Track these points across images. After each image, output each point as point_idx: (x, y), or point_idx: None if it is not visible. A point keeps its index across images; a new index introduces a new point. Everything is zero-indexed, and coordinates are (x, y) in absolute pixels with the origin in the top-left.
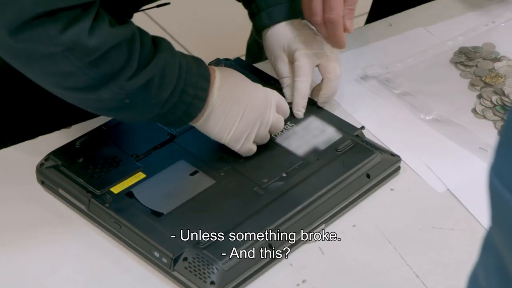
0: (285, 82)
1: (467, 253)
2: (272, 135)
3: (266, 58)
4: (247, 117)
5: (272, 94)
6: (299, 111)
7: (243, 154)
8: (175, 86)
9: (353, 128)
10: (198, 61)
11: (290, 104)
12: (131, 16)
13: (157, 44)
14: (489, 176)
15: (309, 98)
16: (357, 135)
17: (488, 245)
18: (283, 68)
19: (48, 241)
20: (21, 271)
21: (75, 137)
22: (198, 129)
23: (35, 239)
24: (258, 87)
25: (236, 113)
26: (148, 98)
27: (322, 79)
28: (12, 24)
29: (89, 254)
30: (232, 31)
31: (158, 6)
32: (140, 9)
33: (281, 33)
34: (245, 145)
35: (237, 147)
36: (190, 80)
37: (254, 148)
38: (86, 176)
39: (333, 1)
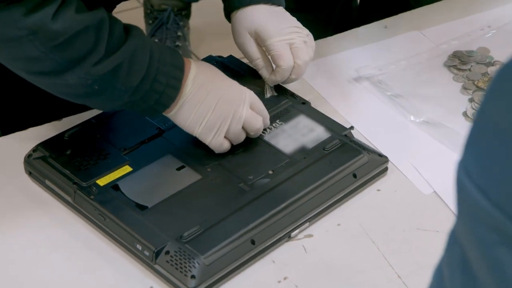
0: (259, 64)
1: None
2: (261, 133)
3: None
4: (219, 109)
5: (247, 91)
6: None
7: (215, 149)
8: (146, 74)
9: (342, 128)
10: (172, 51)
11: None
12: (113, 7)
13: (129, 31)
14: (457, 172)
15: (298, 97)
16: (345, 135)
17: (453, 240)
18: (254, 51)
19: (33, 231)
20: (4, 260)
21: (65, 130)
22: (171, 119)
23: (20, 229)
24: (234, 83)
25: (208, 105)
26: (116, 84)
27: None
28: None
29: (73, 245)
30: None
31: None
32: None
33: (251, 17)
34: (216, 139)
35: (208, 139)
36: (163, 69)
37: (226, 144)
38: (72, 168)
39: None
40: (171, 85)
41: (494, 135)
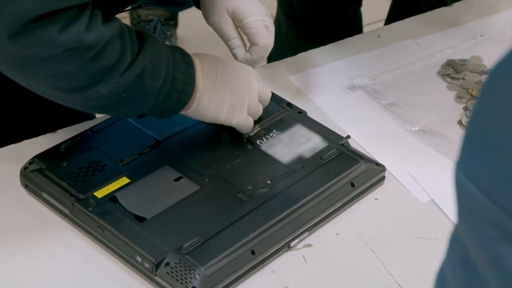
0: (235, 43)
1: None
2: (258, 142)
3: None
4: (235, 90)
5: (246, 65)
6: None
7: (242, 128)
8: (166, 74)
9: (339, 137)
10: (180, 49)
11: None
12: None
13: (141, 35)
14: (455, 172)
15: (294, 106)
16: (342, 144)
17: (454, 240)
18: (231, 29)
19: (31, 245)
20: (2, 274)
21: (61, 141)
22: (191, 116)
23: (18, 243)
24: (232, 61)
25: (224, 90)
26: (143, 88)
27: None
28: (11, 28)
29: (72, 258)
30: None
31: (138, 6)
32: (123, 10)
33: None
34: (241, 117)
35: (234, 121)
36: (178, 67)
37: (250, 120)
38: (70, 180)
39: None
40: (187, 81)
41: (491, 133)
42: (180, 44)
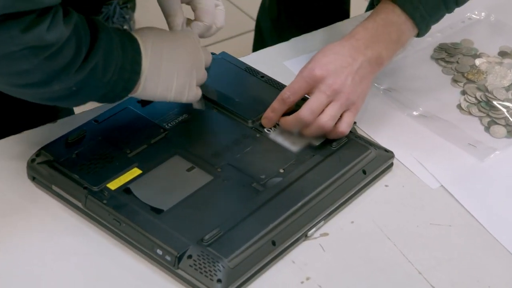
0: (176, 21)
1: (466, 249)
2: (266, 130)
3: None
4: (183, 71)
5: (190, 32)
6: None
7: (192, 101)
8: (116, 65)
9: None
10: (128, 35)
11: None
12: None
13: (94, 26)
14: None
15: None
16: (350, 131)
17: None
18: (174, 5)
19: (40, 239)
20: (11, 272)
21: (61, 132)
22: (140, 97)
23: (29, 239)
24: (177, 33)
25: (171, 72)
26: (94, 81)
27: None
28: None
29: (87, 252)
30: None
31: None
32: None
33: None
34: (191, 94)
35: (183, 99)
36: (126, 56)
37: (199, 92)
38: (81, 172)
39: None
40: (134, 70)
41: None
42: (137, 27)
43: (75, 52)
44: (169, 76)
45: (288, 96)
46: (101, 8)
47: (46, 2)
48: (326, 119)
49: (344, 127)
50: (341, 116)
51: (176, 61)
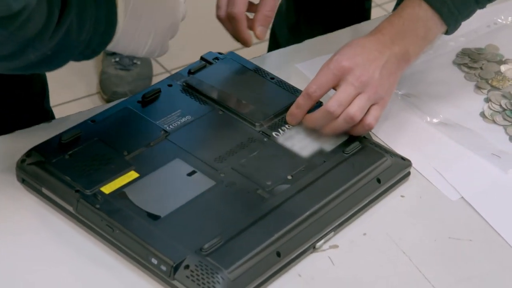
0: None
1: (488, 266)
2: (274, 134)
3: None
4: (159, 30)
5: None
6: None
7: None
8: (90, 18)
9: None
10: None
11: None
12: None
13: None
14: None
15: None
16: (364, 137)
17: None
18: None
19: (30, 246)
20: (1, 279)
21: (56, 132)
22: (108, 49)
23: (16, 245)
24: None
25: (146, 33)
26: (69, 42)
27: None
28: None
29: (77, 260)
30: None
31: None
32: None
33: None
34: (162, 51)
35: (153, 56)
36: (101, 8)
37: (168, 48)
38: (73, 174)
39: None
40: (110, 22)
41: None
42: None
43: (47, 17)
44: (143, 38)
45: (314, 90)
46: None
47: None
48: (355, 110)
49: (371, 120)
50: (367, 110)
51: (154, 21)
